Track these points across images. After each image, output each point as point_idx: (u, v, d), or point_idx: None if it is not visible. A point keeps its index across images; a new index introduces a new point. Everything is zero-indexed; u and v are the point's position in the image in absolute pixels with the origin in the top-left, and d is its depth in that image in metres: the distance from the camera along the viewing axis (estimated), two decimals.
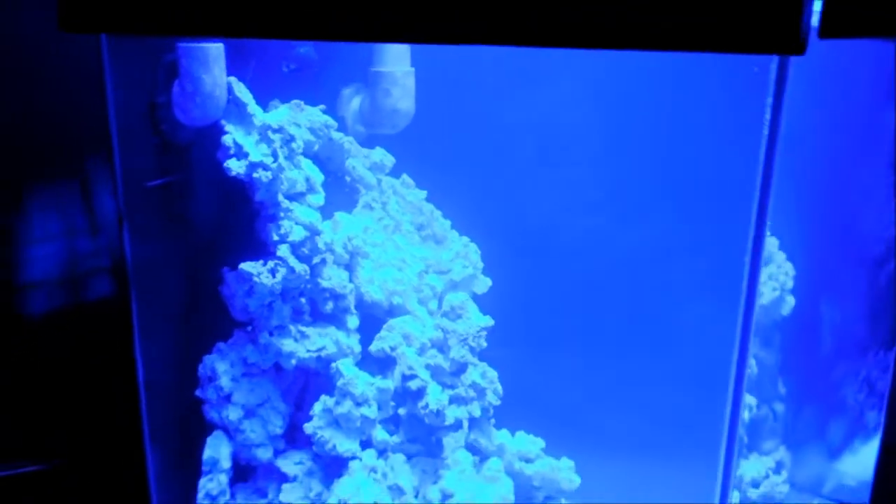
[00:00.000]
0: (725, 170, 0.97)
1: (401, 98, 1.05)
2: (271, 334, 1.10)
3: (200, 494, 1.15)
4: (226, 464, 1.13)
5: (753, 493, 1.10)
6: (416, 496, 0.99)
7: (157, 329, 1.15)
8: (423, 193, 1.13)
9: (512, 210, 1.11)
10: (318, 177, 1.03)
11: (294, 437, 1.14)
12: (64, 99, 1.17)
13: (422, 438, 1.02)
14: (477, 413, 0.97)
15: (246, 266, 1.05)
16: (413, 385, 0.98)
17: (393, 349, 1.01)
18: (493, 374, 0.99)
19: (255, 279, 1.04)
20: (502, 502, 0.95)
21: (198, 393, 1.14)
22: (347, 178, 1.10)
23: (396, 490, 1.00)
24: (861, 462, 1.17)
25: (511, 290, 1.12)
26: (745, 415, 1.05)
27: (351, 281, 1.09)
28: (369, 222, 1.09)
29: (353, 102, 1.11)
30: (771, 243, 1.08)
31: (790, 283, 1.07)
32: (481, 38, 0.67)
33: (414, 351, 0.99)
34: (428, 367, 0.98)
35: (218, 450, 1.13)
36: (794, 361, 1.22)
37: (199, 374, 1.14)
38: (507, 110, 1.13)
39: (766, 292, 1.04)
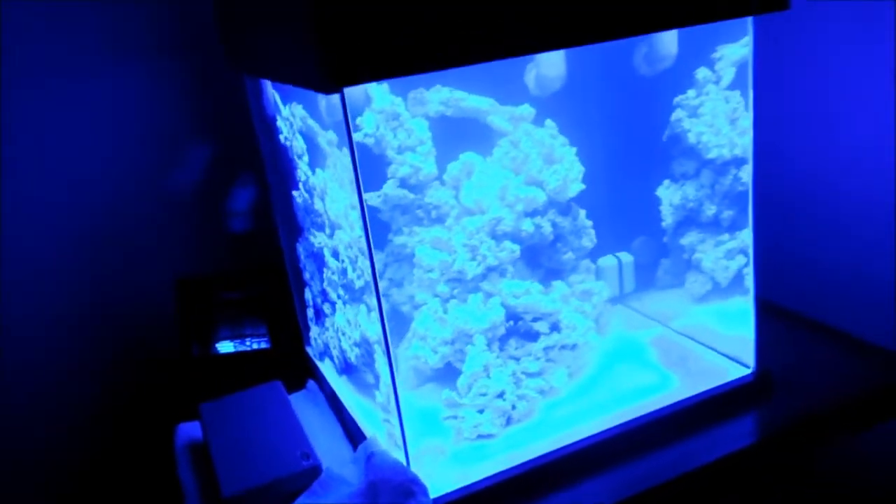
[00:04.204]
0: None
1: (553, 67, 1.34)
2: None
3: None
4: None
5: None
6: None
7: None
8: None
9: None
10: None
11: None
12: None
13: None
14: None
15: None
16: None
17: None
18: None
19: None
20: None
21: None
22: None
23: None
24: (727, 314, 1.36)
25: None
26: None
27: None
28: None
29: (531, 73, 1.37)
30: (569, 151, 1.29)
31: (576, 175, 1.28)
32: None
33: None
34: None
35: None
36: (632, 228, 1.50)
37: None
38: None
39: (553, 181, 1.27)
